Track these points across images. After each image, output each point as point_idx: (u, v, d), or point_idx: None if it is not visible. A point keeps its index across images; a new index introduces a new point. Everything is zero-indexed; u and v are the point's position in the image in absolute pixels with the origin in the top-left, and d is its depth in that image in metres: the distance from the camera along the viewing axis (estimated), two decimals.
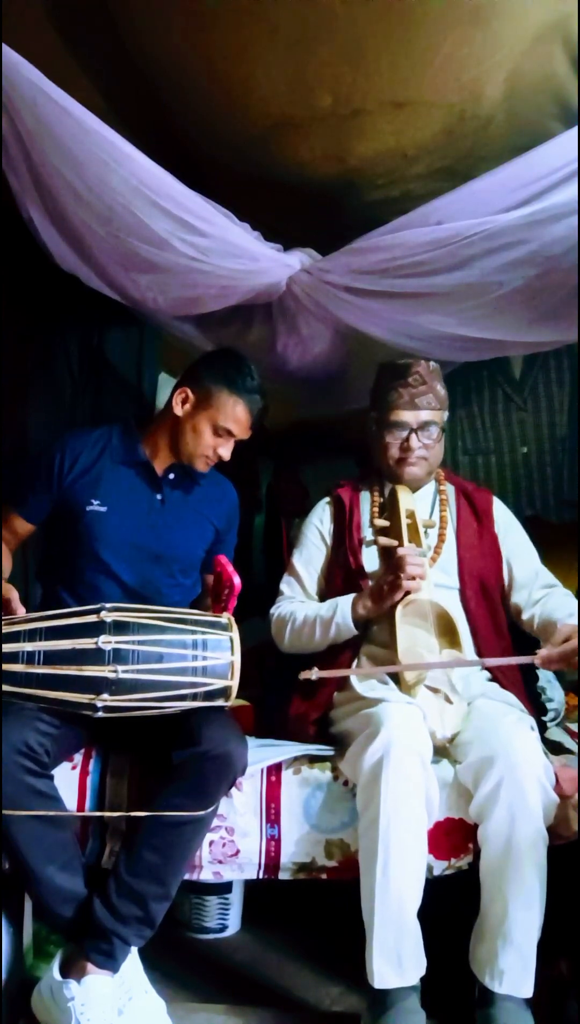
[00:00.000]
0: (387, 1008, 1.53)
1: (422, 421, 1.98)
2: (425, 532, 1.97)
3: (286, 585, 2.08)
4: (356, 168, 1.96)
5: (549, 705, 2.03)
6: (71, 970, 1.55)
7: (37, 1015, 1.60)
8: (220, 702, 1.66)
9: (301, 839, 1.70)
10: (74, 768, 1.73)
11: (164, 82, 1.86)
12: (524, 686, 1.95)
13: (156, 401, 2.62)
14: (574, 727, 2.01)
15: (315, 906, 2.11)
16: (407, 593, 1.82)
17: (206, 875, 1.72)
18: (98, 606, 1.65)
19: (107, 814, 1.68)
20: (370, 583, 1.93)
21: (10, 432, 2.42)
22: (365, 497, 2.09)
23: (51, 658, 1.58)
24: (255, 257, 1.95)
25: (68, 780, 1.70)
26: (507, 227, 1.78)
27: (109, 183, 1.72)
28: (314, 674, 1.69)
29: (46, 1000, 1.58)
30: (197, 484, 1.99)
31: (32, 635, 1.59)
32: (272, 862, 1.70)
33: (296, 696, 1.94)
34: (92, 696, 1.57)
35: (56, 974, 1.56)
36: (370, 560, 1.99)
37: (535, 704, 1.95)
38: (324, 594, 2.04)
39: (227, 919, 2.14)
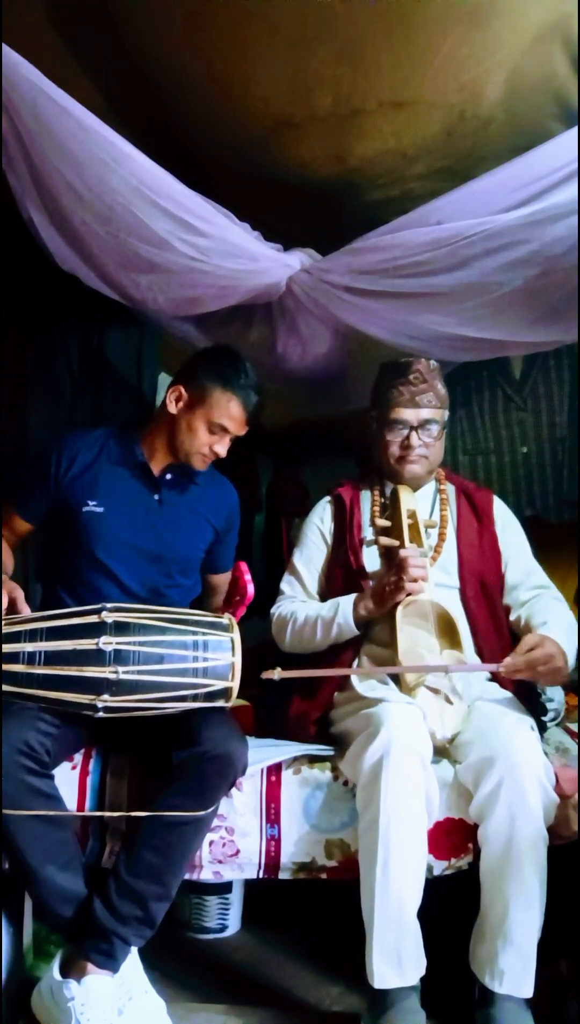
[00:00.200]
0: (387, 1008, 1.53)
1: (423, 419, 1.99)
2: (426, 532, 1.97)
3: (287, 584, 2.08)
4: (356, 168, 1.96)
5: (549, 705, 2.02)
6: (71, 970, 1.55)
7: (37, 1015, 1.60)
8: (221, 703, 1.66)
9: (301, 839, 1.70)
10: (74, 768, 1.73)
11: (164, 82, 1.86)
12: (524, 686, 1.95)
13: (156, 401, 2.62)
14: (574, 727, 2.00)
15: (315, 906, 2.11)
16: (409, 594, 1.82)
17: (206, 875, 1.72)
18: (99, 606, 1.65)
19: (107, 814, 1.68)
20: (371, 583, 1.93)
21: (10, 432, 2.42)
22: (365, 497, 2.09)
23: (52, 659, 1.58)
24: (255, 257, 1.95)
25: (68, 780, 1.70)
26: (507, 227, 1.78)
27: (109, 183, 1.72)
28: (276, 674, 1.67)
29: (46, 1000, 1.58)
30: (196, 484, 1.99)
31: (33, 635, 1.60)
32: (272, 862, 1.70)
33: (296, 696, 1.94)
34: (93, 697, 1.57)
35: (56, 974, 1.56)
36: (371, 560, 1.99)
37: (535, 704, 1.95)
38: (325, 593, 2.04)
39: (227, 919, 2.14)
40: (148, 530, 1.91)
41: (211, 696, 1.64)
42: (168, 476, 1.96)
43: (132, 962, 1.59)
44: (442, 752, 1.72)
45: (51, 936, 1.82)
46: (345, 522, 2.05)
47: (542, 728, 1.85)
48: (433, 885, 1.60)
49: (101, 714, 1.59)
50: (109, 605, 1.66)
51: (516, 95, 1.78)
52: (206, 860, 1.70)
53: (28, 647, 1.58)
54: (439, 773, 1.67)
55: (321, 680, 1.90)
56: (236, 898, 2.15)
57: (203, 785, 1.58)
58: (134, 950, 1.59)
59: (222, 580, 2.11)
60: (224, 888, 2.12)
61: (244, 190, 2.02)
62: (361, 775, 1.60)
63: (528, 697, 1.91)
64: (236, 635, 1.68)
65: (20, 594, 1.71)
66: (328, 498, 2.14)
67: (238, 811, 1.69)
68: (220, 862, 1.70)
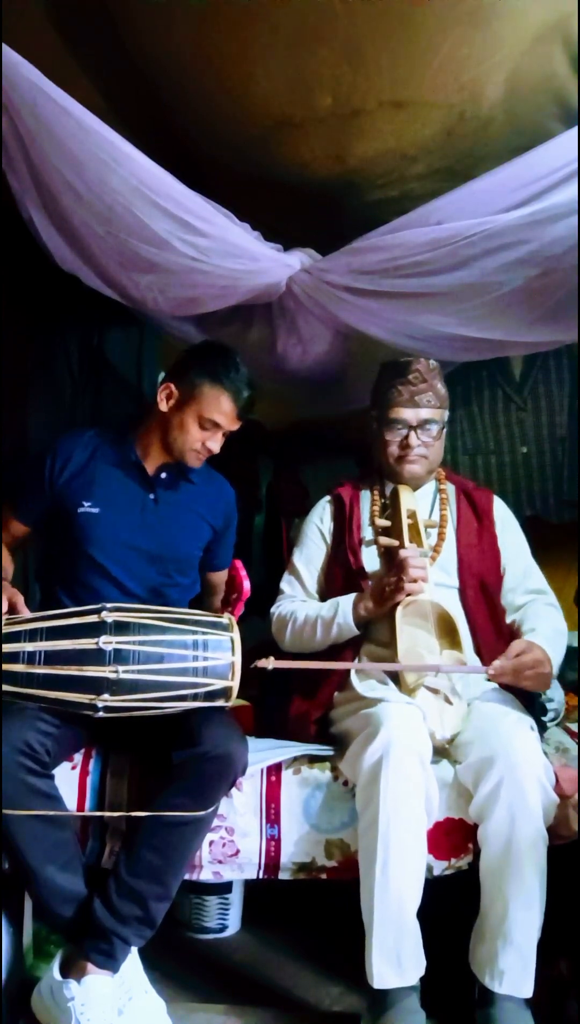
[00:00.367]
0: (387, 1008, 1.53)
1: (422, 419, 1.98)
2: (426, 532, 1.97)
3: (286, 584, 2.08)
4: (356, 168, 1.96)
5: (549, 705, 2.02)
6: (71, 970, 1.55)
7: (37, 1015, 1.60)
8: (220, 702, 1.66)
9: (301, 839, 1.70)
10: (74, 768, 1.73)
11: (164, 82, 1.86)
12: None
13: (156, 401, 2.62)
14: (574, 727, 2.01)
15: (315, 906, 2.11)
16: (409, 594, 1.82)
17: (206, 875, 1.72)
18: (99, 606, 1.65)
19: (107, 814, 1.68)
20: (371, 583, 1.93)
21: (10, 432, 2.42)
22: (365, 496, 2.09)
23: (52, 658, 1.58)
24: (255, 257, 1.95)
25: (68, 780, 1.70)
26: (507, 227, 1.78)
27: (109, 183, 1.72)
28: (270, 664, 1.67)
29: (46, 1000, 1.58)
30: (192, 483, 1.99)
31: (33, 635, 1.59)
32: (272, 862, 1.70)
33: (296, 696, 1.94)
34: (93, 696, 1.57)
35: (56, 974, 1.56)
36: (370, 559, 1.99)
37: (535, 704, 1.95)
38: (325, 593, 2.04)
39: (227, 919, 2.14)
40: (144, 530, 1.91)
41: (211, 696, 1.64)
42: (163, 475, 1.96)
43: (132, 962, 1.59)
44: (442, 752, 1.72)
45: (51, 936, 1.82)
46: (345, 522, 2.05)
47: (542, 728, 1.85)
48: (433, 885, 1.60)
49: (101, 714, 1.59)
50: (109, 605, 1.66)
51: (516, 95, 1.78)
52: (206, 860, 1.70)
53: (28, 647, 1.58)
54: (439, 773, 1.67)
55: (321, 680, 1.90)
56: (236, 898, 2.15)
57: (203, 785, 1.58)
58: (134, 950, 1.59)
59: (221, 578, 2.11)
60: (224, 888, 2.12)
61: (244, 190, 2.02)
62: (361, 775, 1.60)
63: (528, 697, 1.91)
64: (236, 634, 1.68)
65: (20, 599, 1.71)
66: (328, 498, 2.14)
67: (238, 811, 1.69)
68: (220, 862, 1.70)
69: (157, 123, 1.92)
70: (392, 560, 1.90)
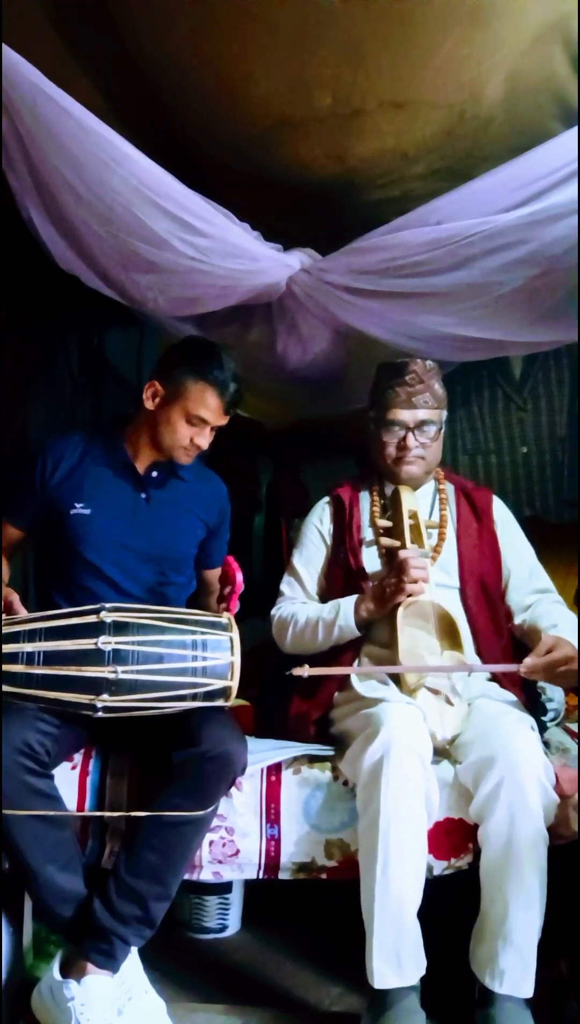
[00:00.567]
0: (387, 1008, 1.53)
1: (419, 420, 1.98)
2: (427, 533, 1.97)
3: (286, 585, 2.08)
4: (356, 168, 1.96)
5: (549, 705, 2.02)
6: (71, 970, 1.55)
7: (37, 1015, 1.60)
8: (220, 702, 1.66)
9: (301, 839, 1.70)
10: (74, 768, 1.73)
11: (164, 82, 1.86)
12: (524, 686, 1.95)
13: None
14: (574, 727, 2.00)
15: (315, 906, 2.11)
16: (409, 595, 1.82)
17: (206, 875, 1.72)
18: (98, 606, 1.65)
19: (107, 814, 1.68)
20: (371, 584, 1.93)
21: (10, 432, 2.42)
22: (365, 497, 2.09)
23: (51, 659, 1.58)
24: (255, 257, 1.95)
25: (68, 780, 1.70)
26: (507, 227, 1.78)
27: (109, 183, 1.72)
28: (305, 672, 1.68)
29: (46, 1000, 1.58)
30: (183, 481, 1.98)
31: (32, 636, 1.59)
32: (272, 862, 1.70)
33: (296, 696, 1.94)
34: (92, 697, 1.57)
35: (56, 974, 1.56)
36: (370, 560, 1.99)
37: (535, 704, 1.95)
38: (325, 594, 2.04)
39: (227, 919, 2.14)
40: (137, 529, 1.91)
41: (210, 695, 1.64)
42: (154, 474, 1.95)
43: (132, 962, 1.59)
44: (442, 752, 1.72)
45: (51, 936, 1.81)
46: (344, 523, 2.05)
47: (542, 728, 1.85)
48: (433, 885, 1.60)
49: (100, 714, 1.59)
50: (108, 605, 1.65)
51: (516, 95, 1.78)
52: (206, 860, 1.70)
53: (27, 647, 1.58)
54: (439, 773, 1.67)
55: (321, 680, 1.90)
56: (236, 898, 2.15)
57: (203, 785, 1.58)
58: (134, 950, 1.59)
59: (216, 576, 2.11)
60: (224, 888, 2.12)
61: (244, 190, 2.02)
62: (361, 775, 1.60)
63: (528, 697, 1.91)
64: (235, 634, 1.68)
65: (16, 598, 1.71)
66: (327, 499, 2.14)
67: (238, 811, 1.69)
68: (220, 862, 1.70)
69: (157, 123, 1.92)
70: (393, 561, 1.90)
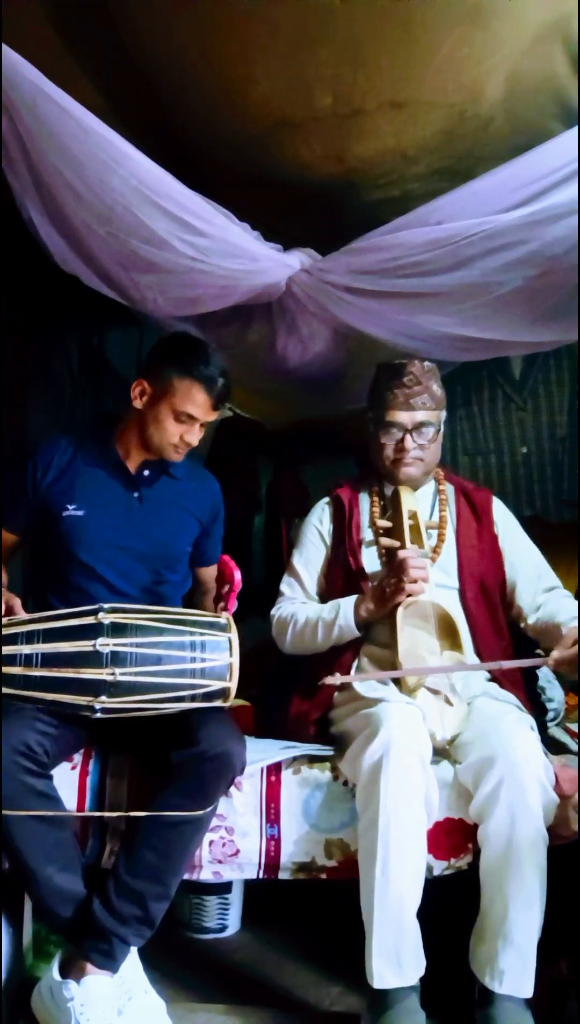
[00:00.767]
0: (387, 1008, 1.53)
1: (417, 422, 1.98)
2: (427, 533, 1.97)
3: (286, 586, 2.08)
4: (356, 168, 1.96)
5: (549, 705, 2.03)
6: (71, 970, 1.55)
7: (37, 1015, 1.60)
8: (219, 703, 1.66)
9: (301, 839, 1.70)
10: (74, 768, 1.73)
11: (164, 82, 1.86)
12: (524, 686, 1.95)
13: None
14: (574, 727, 2.01)
15: (315, 906, 2.11)
16: (409, 595, 1.82)
17: (206, 875, 1.72)
18: (96, 608, 1.65)
19: (107, 814, 1.68)
20: (370, 584, 1.93)
21: (10, 432, 2.42)
22: (364, 497, 2.09)
23: (49, 660, 1.58)
24: (255, 257, 1.95)
25: (68, 780, 1.70)
26: (507, 227, 1.78)
27: (109, 183, 1.72)
28: (337, 679, 1.69)
29: (46, 1000, 1.58)
30: (176, 479, 1.98)
31: (30, 637, 1.59)
32: (272, 862, 1.70)
33: (296, 696, 1.94)
34: (90, 698, 1.57)
35: (56, 974, 1.56)
36: (370, 561, 1.99)
37: (535, 704, 1.95)
38: (324, 594, 2.04)
39: (227, 919, 2.14)
40: (130, 529, 1.90)
41: (209, 696, 1.64)
42: (146, 473, 1.95)
43: (132, 962, 1.59)
44: (442, 752, 1.72)
45: (51, 936, 1.82)
46: (344, 523, 2.05)
47: (542, 728, 1.85)
48: (433, 885, 1.60)
49: (99, 715, 1.59)
50: (106, 606, 1.65)
51: (516, 95, 1.78)
52: (206, 860, 1.70)
53: (25, 649, 1.57)
54: (439, 773, 1.67)
55: (321, 679, 1.90)
56: (236, 898, 2.15)
57: (202, 785, 1.58)
58: (134, 950, 1.59)
59: (211, 574, 2.11)
60: (224, 888, 2.12)
61: (244, 190, 2.02)
62: (361, 775, 1.60)
63: (529, 697, 1.92)
64: (234, 635, 1.67)
65: (17, 601, 1.71)
66: (326, 499, 2.14)
67: (238, 811, 1.69)
68: (220, 862, 1.70)
69: (157, 123, 1.92)
70: (393, 561, 1.90)
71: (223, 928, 2.14)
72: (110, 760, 1.76)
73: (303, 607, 2.00)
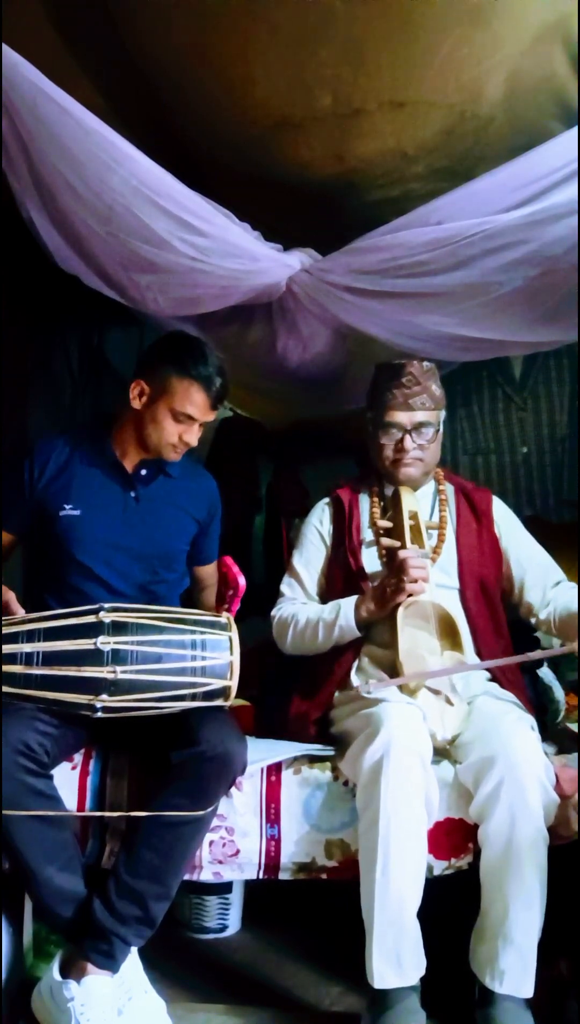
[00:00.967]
0: (387, 1008, 1.53)
1: (416, 422, 1.98)
2: (427, 533, 1.97)
3: (287, 586, 2.08)
4: (356, 168, 1.96)
5: (550, 705, 2.03)
6: (71, 970, 1.55)
7: (37, 1015, 1.60)
8: (219, 702, 1.66)
9: (301, 839, 1.70)
10: (74, 768, 1.73)
11: (164, 82, 1.86)
12: (524, 686, 1.95)
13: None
14: (574, 727, 2.01)
15: (315, 906, 2.11)
16: (410, 595, 1.82)
17: (206, 875, 1.72)
18: (96, 606, 1.65)
19: (107, 814, 1.68)
20: (371, 584, 1.93)
21: (10, 432, 2.42)
22: (364, 498, 2.09)
23: (49, 659, 1.58)
24: (255, 257, 1.95)
25: (68, 780, 1.70)
26: (507, 227, 1.78)
27: (109, 183, 1.72)
28: (373, 687, 1.71)
29: (46, 1000, 1.58)
30: (172, 478, 1.97)
31: (30, 636, 1.59)
32: (272, 862, 1.70)
33: (296, 696, 1.94)
34: (91, 697, 1.57)
35: (56, 974, 1.56)
36: (370, 561, 1.99)
37: (536, 704, 1.95)
38: (325, 595, 2.04)
39: (227, 919, 2.14)
40: (127, 528, 1.90)
41: (210, 695, 1.64)
42: (142, 472, 1.95)
43: (132, 962, 1.59)
44: (442, 752, 1.72)
45: (51, 936, 1.82)
46: (344, 524, 2.05)
47: (543, 728, 1.85)
48: (433, 885, 1.60)
49: (100, 714, 1.59)
50: (107, 605, 1.65)
51: (516, 95, 1.78)
52: (206, 860, 1.70)
53: (26, 647, 1.58)
54: (439, 773, 1.67)
55: (321, 680, 1.90)
56: (236, 898, 2.15)
57: (202, 785, 1.58)
58: (134, 950, 1.59)
59: (209, 572, 2.10)
60: (224, 888, 2.12)
61: (244, 190, 2.02)
62: (361, 775, 1.60)
63: (528, 696, 1.91)
64: (234, 634, 1.67)
65: (13, 596, 1.71)
66: (326, 500, 2.14)
67: (238, 811, 1.69)
68: (220, 862, 1.70)
69: (157, 123, 1.92)
70: (393, 561, 1.90)
71: (223, 928, 2.14)
72: (110, 760, 1.76)
73: (303, 608, 2.00)
